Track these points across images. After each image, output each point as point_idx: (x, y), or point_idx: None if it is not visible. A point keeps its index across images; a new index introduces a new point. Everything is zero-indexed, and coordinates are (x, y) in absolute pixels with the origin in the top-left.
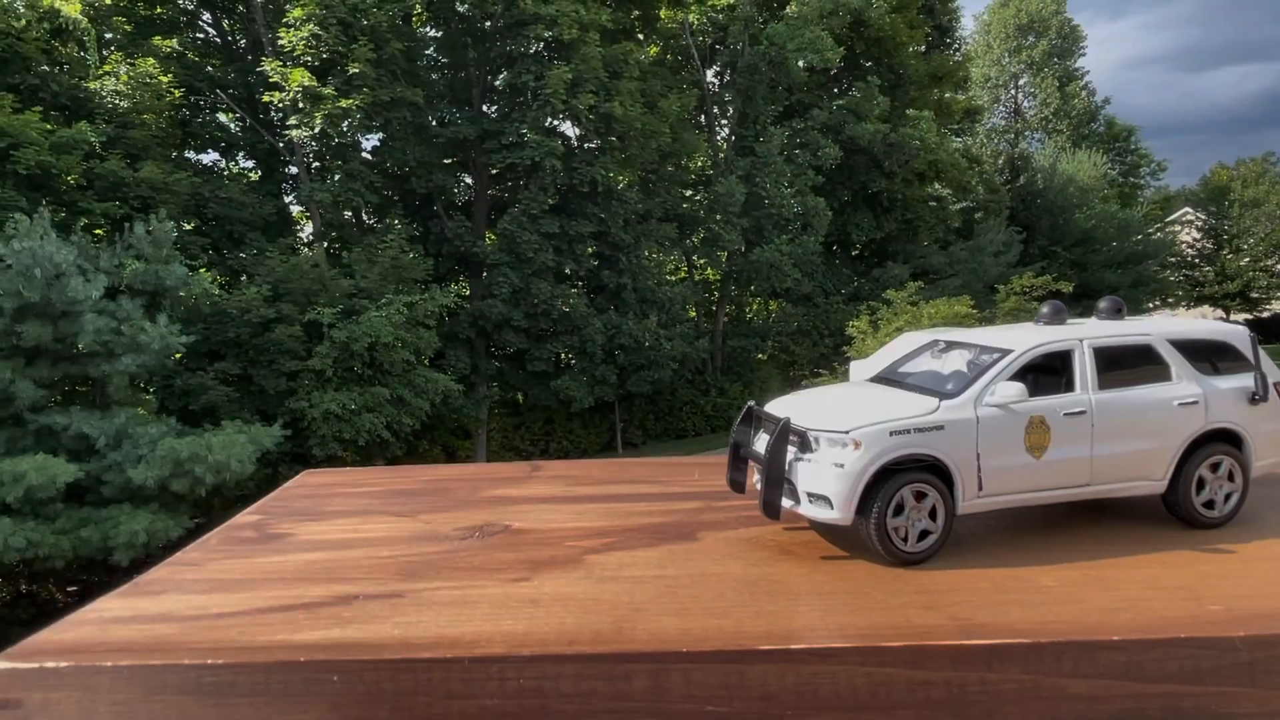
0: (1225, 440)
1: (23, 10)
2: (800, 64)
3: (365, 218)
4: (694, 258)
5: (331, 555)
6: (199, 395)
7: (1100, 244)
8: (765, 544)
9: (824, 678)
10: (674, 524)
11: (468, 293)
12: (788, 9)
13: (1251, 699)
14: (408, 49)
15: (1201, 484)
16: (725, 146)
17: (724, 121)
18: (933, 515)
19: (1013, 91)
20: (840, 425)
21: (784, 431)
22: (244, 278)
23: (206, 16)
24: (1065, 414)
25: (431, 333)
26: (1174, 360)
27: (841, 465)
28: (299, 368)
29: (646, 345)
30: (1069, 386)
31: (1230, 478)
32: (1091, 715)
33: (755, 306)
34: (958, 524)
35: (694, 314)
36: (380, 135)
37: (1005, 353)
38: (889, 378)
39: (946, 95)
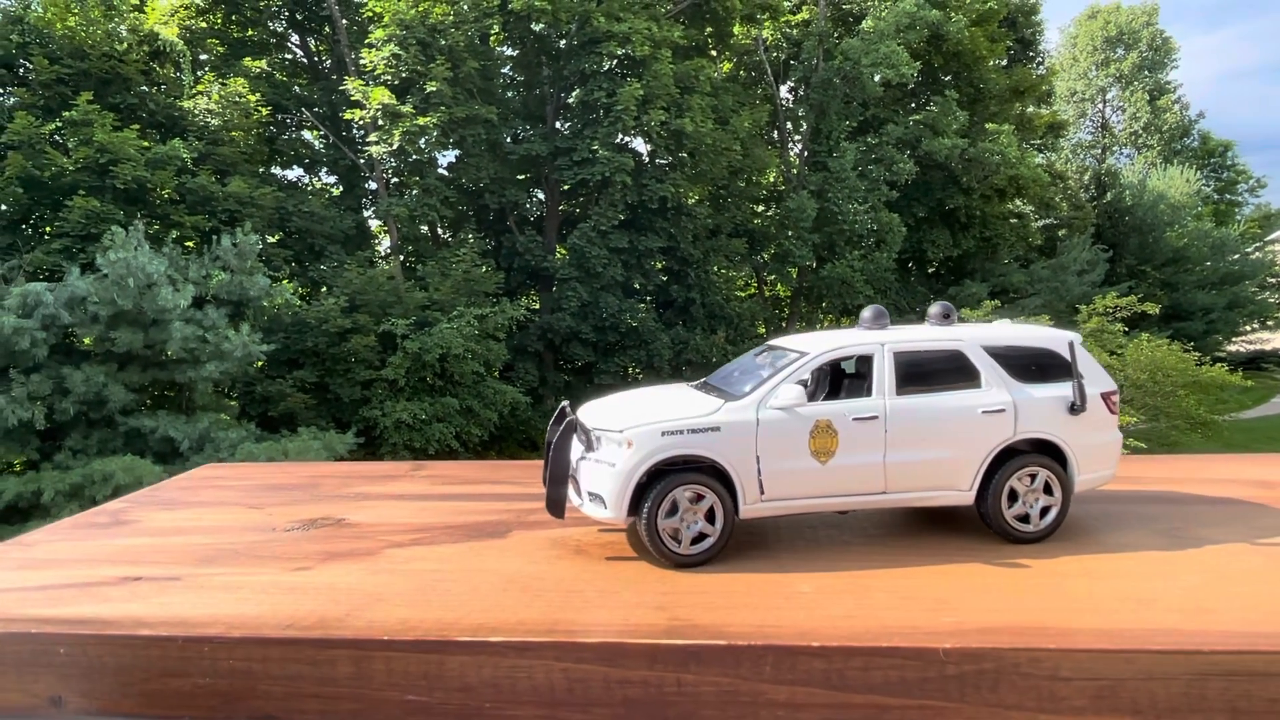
0: (1042, 452)
1: (125, 34)
2: (875, 79)
3: (440, 232)
4: (764, 273)
5: (153, 541)
6: (278, 402)
7: (1193, 264)
8: (566, 544)
9: (521, 671)
10: (498, 522)
11: (537, 306)
12: (863, 24)
13: (960, 715)
14: (484, 68)
15: (1015, 496)
16: (797, 162)
17: (797, 137)
18: (711, 518)
19: (1100, 106)
20: (617, 425)
21: (569, 429)
22: (323, 289)
23: (295, 38)
24: (855, 419)
25: (501, 345)
26: (985, 367)
27: (614, 464)
28: (373, 377)
29: (714, 361)
30: (867, 391)
31: (1048, 490)
32: None
33: (827, 323)
34: (809, 520)
35: (763, 330)
36: (456, 152)
37: (800, 355)
38: (710, 381)
39: (1029, 110)
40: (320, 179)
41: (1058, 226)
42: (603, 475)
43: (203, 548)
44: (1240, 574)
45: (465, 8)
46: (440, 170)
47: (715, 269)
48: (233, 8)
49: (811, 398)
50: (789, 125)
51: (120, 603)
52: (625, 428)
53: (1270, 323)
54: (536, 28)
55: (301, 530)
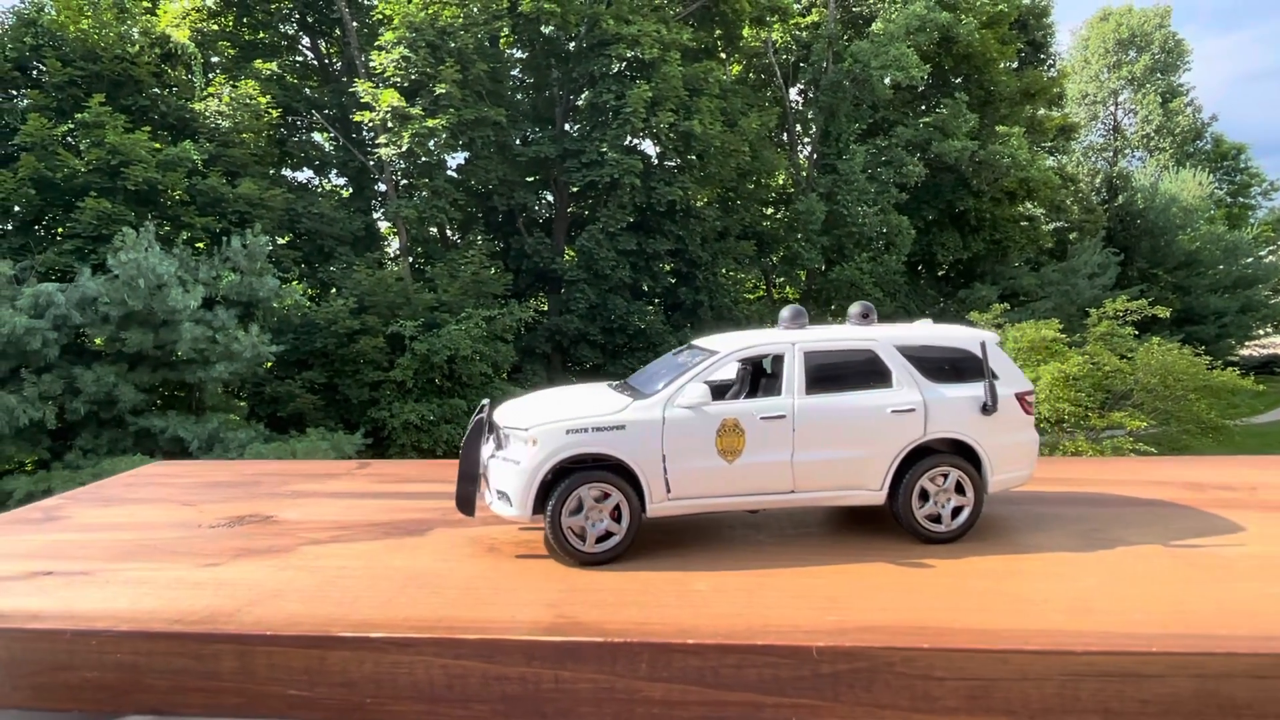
0: (955, 452)
1: (137, 37)
2: (885, 81)
3: (449, 234)
4: (773, 276)
5: (77, 537)
6: (287, 403)
7: (1205, 267)
8: (482, 542)
9: (402, 668)
10: (422, 520)
11: (546, 308)
12: (873, 26)
13: (834, 714)
14: (493, 70)
15: (926, 496)
16: (807, 164)
17: (806, 139)
18: (617, 517)
19: (1112, 108)
20: (523, 423)
21: (478, 426)
22: (332, 290)
23: (305, 41)
24: (763, 418)
25: (509, 347)
26: (897, 367)
27: (519, 462)
28: (381, 378)
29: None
30: (777, 391)
31: (960, 490)
32: None
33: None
34: (728, 519)
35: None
36: (465, 154)
37: (710, 354)
38: (629, 380)
39: (1040, 112)
40: (330, 181)
41: (1068, 230)
42: (509, 473)
43: (123, 543)
44: (1141, 575)
45: (475, 10)
46: (449, 172)
47: (724, 271)
48: (244, 10)
49: (735, 397)
50: (798, 128)
51: (22, 597)
52: (530, 426)
53: None
54: (546, 30)
55: (226, 527)
